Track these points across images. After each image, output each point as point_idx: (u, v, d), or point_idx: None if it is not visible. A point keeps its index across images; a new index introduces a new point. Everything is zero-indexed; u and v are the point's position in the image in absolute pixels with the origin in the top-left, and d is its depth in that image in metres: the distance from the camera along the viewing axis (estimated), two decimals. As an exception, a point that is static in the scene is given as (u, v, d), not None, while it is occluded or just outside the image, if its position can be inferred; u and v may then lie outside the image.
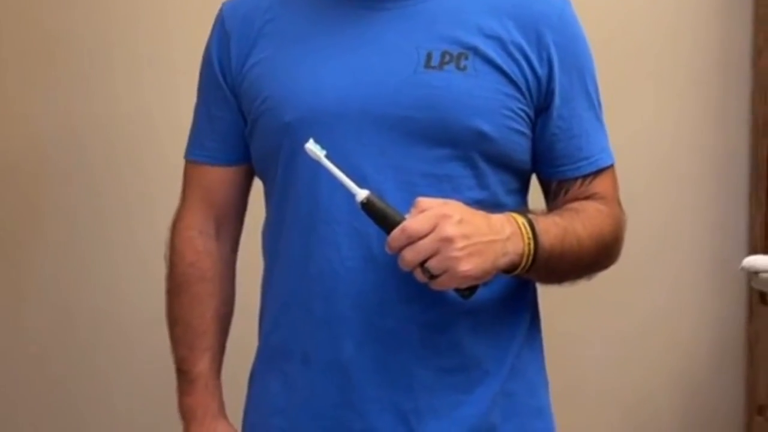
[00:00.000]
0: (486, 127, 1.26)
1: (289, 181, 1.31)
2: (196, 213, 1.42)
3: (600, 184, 1.33)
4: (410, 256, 1.14)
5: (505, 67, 1.27)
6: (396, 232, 1.15)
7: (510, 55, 1.27)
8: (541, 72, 1.28)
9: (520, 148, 1.30)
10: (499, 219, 1.20)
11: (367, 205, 1.17)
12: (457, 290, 1.19)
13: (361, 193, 1.17)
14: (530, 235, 1.21)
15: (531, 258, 1.21)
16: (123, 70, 2.21)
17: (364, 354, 1.27)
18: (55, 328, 2.23)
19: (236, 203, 1.44)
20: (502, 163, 1.29)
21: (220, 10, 1.40)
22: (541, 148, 1.32)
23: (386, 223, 1.16)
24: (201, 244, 1.42)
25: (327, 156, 1.19)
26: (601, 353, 2.27)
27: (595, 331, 2.27)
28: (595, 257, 1.30)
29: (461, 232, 1.14)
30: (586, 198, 1.33)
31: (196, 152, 1.42)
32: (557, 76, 1.29)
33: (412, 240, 1.14)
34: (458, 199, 1.21)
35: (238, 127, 1.38)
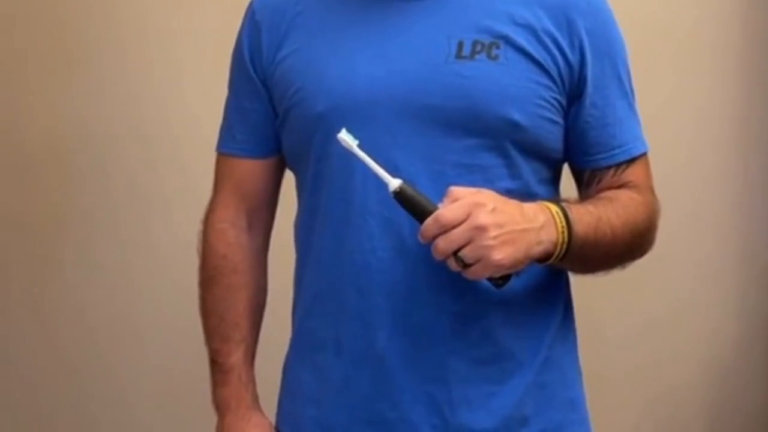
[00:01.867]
0: (518, 116, 1.25)
1: (321, 173, 1.31)
2: (228, 205, 1.42)
3: (633, 173, 1.33)
4: (443, 244, 1.14)
5: (536, 55, 1.26)
6: (429, 221, 1.14)
7: (541, 43, 1.27)
8: (573, 59, 1.28)
9: (552, 137, 1.30)
10: (532, 208, 1.20)
11: (399, 194, 1.17)
12: (490, 279, 1.19)
13: (394, 182, 1.17)
14: (564, 224, 1.20)
15: (565, 246, 1.20)
16: (138, 72, 2.21)
17: (396, 345, 1.27)
18: (75, 325, 2.24)
19: (268, 195, 1.44)
20: (534, 152, 1.29)
21: (251, 2, 1.41)
22: (573, 137, 1.31)
23: (419, 212, 1.16)
24: (233, 237, 1.42)
25: (359, 145, 1.18)
26: (626, 342, 2.26)
27: (621, 319, 2.26)
28: (629, 246, 1.29)
29: (495, 221, 1.14)
30: (620, 186, 1.32)
31: (228, 145, 1.43)
32: (589, 63, 1.28)
33: (446, 229, 1.14)
34: (490, 189, 1.20)
35: (270, 119, 1.38)
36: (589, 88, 1.29)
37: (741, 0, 2.22)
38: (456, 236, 1.14)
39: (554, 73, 1.27)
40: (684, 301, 2.26)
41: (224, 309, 1.41)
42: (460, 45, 1.26)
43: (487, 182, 1.24)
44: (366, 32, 1.30)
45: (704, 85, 2.25)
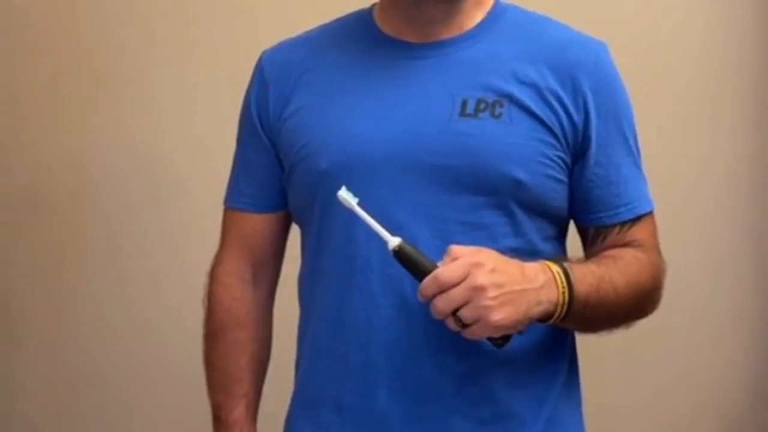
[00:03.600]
0: (521, 175, 1.25)
1: (325, 229, 1.31)
2: (234, 259, 1.43)
3: (638, 231, 1.32)
4: (442, 304, 1.13)
5: (540, 113, 1.26)
6: (428, 280, 1.14)
7: (546, 101, 1.27)
8: (578, 118, 1.28)
9: (556, 195, 1.29)
10: (533, 267, 1.19)
11: (399, 253, 1.16)
12: (490, 339, 1.18)
13: (393, 241, 1.17)
14: (565, 284, 1.19)
15: (566, 307, 1.19)
16: (167, 99, 2.26)
17: (398, 404, 1.27)
18: (98, 342, 2.27)
19: (274, 250, 1.45)
20: (538, 210, 1.29)
21: (260, 58, 1.42)
22: (578, 195, 1.31)
23: (418, 270, 1.16)
24: (238, 290, 1.42)
25: (359, 204, 1.19)
26: (636, 409, 2.23)
27: (630, 386, 2.24)
28: (632, 306, 1.28)
29: (494, 281, 1.13)
30: (625, 245, 1.31)
31: (235, 199, 1.43)
32: (594, 122, 1.28)
33: (444, 288, 1.13)
34: (494, 248, 1.20)
35: (277, 175, 1.39)
36: (594, 147, 1.29)
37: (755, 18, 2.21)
38: (454, 296, 1.13)
39: (558, 132, 1.27)
40: (694, 364, 2.23)
41: (228, 364, 1.41)
42: (464, 103, 1.26)
43: (490, 240, 1.24)
44: (371, 90, 1.30)
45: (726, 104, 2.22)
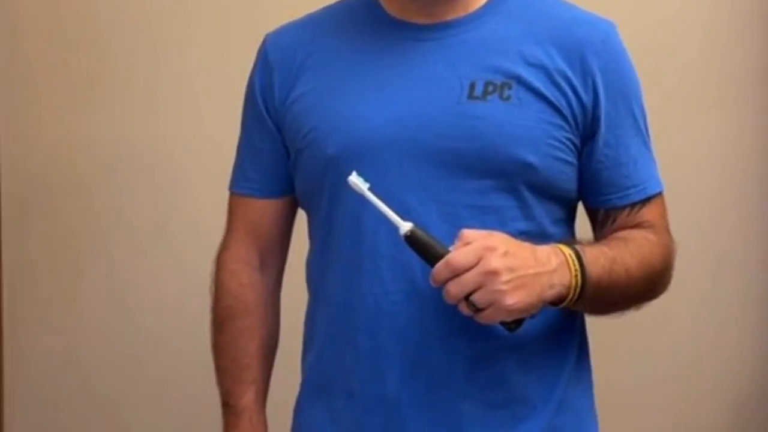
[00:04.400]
0: (531, 158, 1.24)
1: (333, 215, 1.30)
2: (241, 245, 1.42)
3: (648, 213, 1.31)
4: (455, 289, 1.13)
5: (549, 95, 1.25)
6: (440, 265, 1.13)
7: (554, 83, 1.26)
8: (587, 99, 1.27)
9: (566, 177, 1.28)
10: (545, 250, 1.18)
11: (410, 238, 1.16)
12: (503, 323, 1.17)
13: (405, 226, 1.16)
14: (577, 267, 1.19)
15: (579, 290, 1.19)
16: (167, 95, 2.24)
17: (409, 389, 1.26)
18: (110, 334, 2.26)
19: (280, 235, 1.44)
20: (547, 192, 1.28)
21: (264, 41, 1.41)
22: (587, 177, 1.30)
23: (430, 255, 1.15)
24: (246, 277, 1.41)
25: (370, 189, 1.18)
26: (646, 391, 2.23)
27: (640, 368, 2.23)
28: (644, 287, 1.28)
29: (506, 265, 1.12)
30: (635, 226, 1.30)
31: (240, 185, 1.42)
32: (603, 102, 1.27)
33: (457, 273, 1.12)
34: (503, 231, 1.19)
35: (282, 160, 1.38)
36: (603, 127, 1.28)
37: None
38: (467, 280, 1.12)
39: (567, 113, 1.26)
40: (703, 349, 2.22)
41: (236, 350, 1.40)
42: (472, 86, 1.25)
43: (500, 223, 1.23)
44: (378, 73, 1.29)
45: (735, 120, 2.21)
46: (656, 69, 2.04)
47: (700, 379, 2.24)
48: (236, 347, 1.40)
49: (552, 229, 1.29)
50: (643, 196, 1.31)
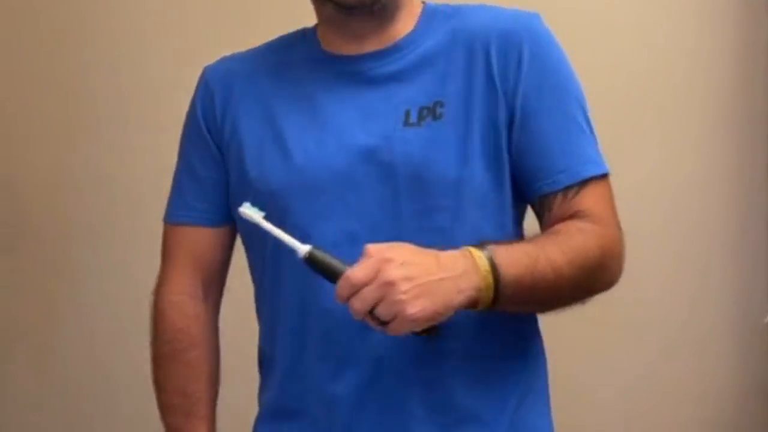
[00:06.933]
0: (467, 173, 1.24)
1: (278, 249, 1.27)
2: (184, 277, 1.40)
3: (585, 200, 1.26)
4: (357, 304, 1.10)
5: (478, 107, 1.25)
6: (340, 282, 1.12)
7: (483, 94, 1.26)
8: (514, 94, 1.26)
9: (506, 183, 1.27)
10: (451, 256, 1.14)
11: (309, 260, 1.15)
12: (416, 334, 1.14)
13: (303, 249, 1.15)
14: (488, 268, 1.14)
15: (492, 291, 1.14)
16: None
17: (363, 415, 1.26)
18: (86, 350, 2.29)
19: (222, 264, 1.43)
20: (489, 203, 1.26)
21: (203, 72, 1.42)
22: (519, 169, 1.27)
23: (331, 275, 1.14)
24: (191, 309, 1.40)
25: (265, 217, 1.18)
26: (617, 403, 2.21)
27: (616, 392, 2.21)
28: (578, 282, 1.22)
29: (404, 275, 1.10)
30: (572, 216, 1.25)
31: (183, 214, 1.40)
32: (528, 92, 1.27)
33: (357, 288, 1.10)
34: (451, 248, 1.17)
35: (224, 187, 1.37)
36: (528, 116, 1.26)
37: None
38: (367, 295, 1.10)
39: (500, 122, 1.26)
40: (682, 374, 2.19)
41: (186, 384, 1.38)
42: (407, 113, 1.26)
43: (448, 241, 1.20)
44: (316, 107, 1.31)
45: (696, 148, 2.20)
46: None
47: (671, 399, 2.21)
48: (186, 381, 1.38)
49: (499, 234, 1.25)
50: (572, 181, 1.26)
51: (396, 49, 1.30)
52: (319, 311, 1.26)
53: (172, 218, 1.42)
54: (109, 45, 2.30)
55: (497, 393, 1.28)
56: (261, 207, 1.26)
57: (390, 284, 1.09)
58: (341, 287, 1.12)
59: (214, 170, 1.38)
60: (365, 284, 1.10)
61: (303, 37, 1.39)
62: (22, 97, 2.31)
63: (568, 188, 1.26)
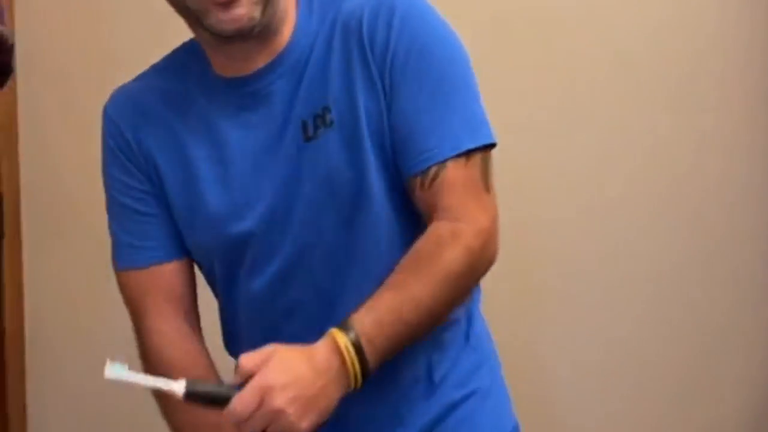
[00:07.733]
0: (366, 177, 1.26)
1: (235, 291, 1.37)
2: (167, 318, 1.37)
3: (445, 191, 1.23)
4: (248, 431, 1.15)
5: (361, 103, 1.25)
6: (226, 415, 1.14)
7: (363, 85, 1.25)
8: (383, 71, 1.25)
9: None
10: (323, 355, 1.17)
11: (190, 396, 1.16)
12: None
13: (178, 387, 1.16)
14: (353, 357, 1.17)
15: (360, 375, 1.18)
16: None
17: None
18: None
19: (194, 292, 1.42)
20: (396, 199, 1.29)
21: (104, 111, 1.38)
22: (393, 152, 1.27)
23: (217, 403, 1.16)
24: (189, 344, 1.38)
25: (129, 368, 1.16)
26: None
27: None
28: (449, 300, 1.25)
29: (288, 399, 1.13)
30: (434, 211, 1.24)
31: (140, 257, 1.37)
32: (394, 62, 1.24)
33: (243, 420, 1.13)
34: (387, 261, 1.23)
35: (170, 221, 1.37)
36: (396, 93, 1.25)
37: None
38: (257, 422, 1.14)
39: (382, 108, 1.25)
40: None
41: (204, 421, 1.33)
42: (305, 126, 1.27)
43: (374, 246, 1.27)
44: (221, 138, 1.32)
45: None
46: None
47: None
48: (206, 425, 1.33)
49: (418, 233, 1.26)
50: (433, 161, 1.23)
51: (282, 60, 1.30)
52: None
53: (130, 264, 1.37)
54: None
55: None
56: (202, 256, 1.37)
57: (278, 412, 1.13)
58: (228, 418, 1.14)
59: (156, 205, 1.37)
60: (251, 414, 1.13)
61: (193, 55, 1.35)
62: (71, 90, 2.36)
63: (425, 172, 1.24)
